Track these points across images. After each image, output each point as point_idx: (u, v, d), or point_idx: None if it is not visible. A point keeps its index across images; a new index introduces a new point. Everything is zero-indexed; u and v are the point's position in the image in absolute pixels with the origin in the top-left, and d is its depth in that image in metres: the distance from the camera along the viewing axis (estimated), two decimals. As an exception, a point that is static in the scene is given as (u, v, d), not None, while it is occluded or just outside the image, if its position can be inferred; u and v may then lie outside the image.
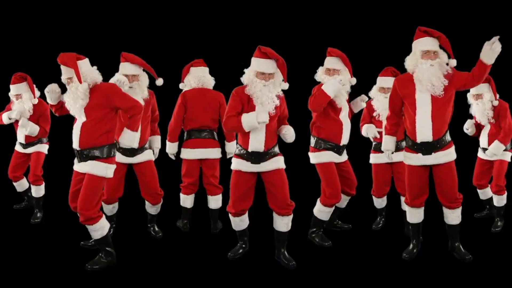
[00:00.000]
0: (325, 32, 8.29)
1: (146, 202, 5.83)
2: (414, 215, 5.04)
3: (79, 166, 4.77)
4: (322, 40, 8.25)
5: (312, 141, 5.51)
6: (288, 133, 4.85)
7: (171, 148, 6.02)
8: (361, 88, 5.85)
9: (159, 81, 5.53)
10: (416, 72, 4.76)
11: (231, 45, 8.33)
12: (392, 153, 5.22)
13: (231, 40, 8.36)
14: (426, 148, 4.77)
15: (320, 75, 5.46)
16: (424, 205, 5.03)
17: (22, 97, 6.30)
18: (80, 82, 4.60)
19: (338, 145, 5.47)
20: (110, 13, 8.40)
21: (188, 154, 5.93)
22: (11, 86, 6.34)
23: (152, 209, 5.84)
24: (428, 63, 4.70)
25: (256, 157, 4.76)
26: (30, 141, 6.48)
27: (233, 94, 4.76)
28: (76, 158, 4.77)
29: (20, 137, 6.48)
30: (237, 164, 4.84)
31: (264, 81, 4.65)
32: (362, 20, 8.32)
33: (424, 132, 4.73)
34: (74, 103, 4.65)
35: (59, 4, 8.38)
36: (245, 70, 4.77)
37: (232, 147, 6.07)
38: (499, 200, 6.08)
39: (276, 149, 4.85)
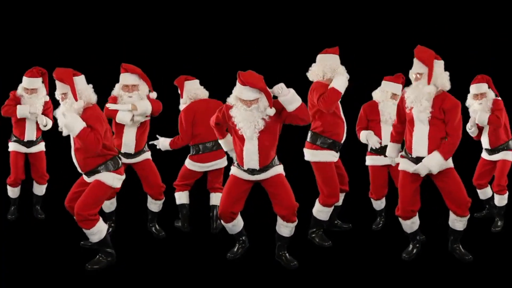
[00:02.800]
0: (324, 32, 8.29)
1: (149, 199, 5.86)
2: (409, 226, 5.03)
3: (87, 179, 4.78)
4: (320, 39, 8.25)
5: (312, 137, 5.42)
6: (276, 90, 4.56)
7: (166, 148, 5.98)
8: (361, 89, 5.86)
9: (153, 94, 5.66)
10: (407, 94, 4.80)
11: (228, 50, 8.34)
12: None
13: (227, 45, 8.37)
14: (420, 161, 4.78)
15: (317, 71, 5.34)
16: (417, 214, 4.99)
17: (38, 92, 6.14)
18: (76, 99, 4.53)
19: (339, 143, 5.45)
20: (110, 20, 8.41)
21: (195, 167, 5.98)
22: (28, 79, 6.08)
23: (154, 205, 5.86)
24: (420, 83, 4.71)
25: (252, 172, 4.78)
26: (38, 137, 6.36)
27: (221, 109, 4.76)
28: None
29: (31, 135, 6.30)
30: (235, 171, 4.87)
31: (245, 107, 4.58)
32: (360, 20, 8.32)
33: (419, 149, 4.76)
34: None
35: (64, 9, 8.38)
36: (233, 90, 4.69)
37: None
38: (500, 200, 6.08)
39: (274, 162, 4.81)
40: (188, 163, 6.02)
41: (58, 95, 4.67)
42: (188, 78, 6.08)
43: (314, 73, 5.36)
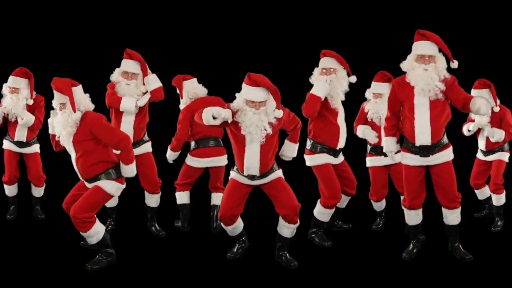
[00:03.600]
0: (323, 34, 8.29)
1: (146, 194, 5.87)
2: (413, 217, 5.04)
3: (88, 184, 4.78)
4: (319, 41, 8.26)
5: (308, 143, 5.47)
6: (285, 153, 4.98)
7: (173, 156, 6.00)
8: (358, 90, 5.85)
9: (143, 88, 5.62)
10: (409, 75, 4.75)
11: (228, 50, 8.32)
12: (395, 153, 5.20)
13: (228, 45, 8.36)
14: (425, 151, 4.79)
15: (316, 76, 5.36)
16: (422, 207, 5.03)
17: (20, 93, 6.07)
18: (74, 111, 4.55)
19: (334, 149, 5.45)
20: (111, 14, 8.41)
21: (195, 163, 5.98)
22: (12, 78, 6.08)
23: (151, 200, 5.86)
24: (421, 67, 4.69)
25: (252, 178, 4.76)
26: (30, 139, 6.32)
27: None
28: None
29: (21, 136, 6.27)
30: (234, 175, 4.85)
31: (254, 109, 4.53)
32: (358, 21, 8.32)
33: (423, 136, 4.75)
34: (62, 129, 4.61)
35: (64, 7, 8.38)
36: (237, 95, 4.64)
37: None
38: (498, 199, 6.10)
39: (274, 168, 4.81)
40: (188, 159, 6.02)
41: (55, 104, 4.69)
42: (186, 77, 6.10)
43: (315, 77, 5.39)
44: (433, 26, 4.96)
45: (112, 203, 5.85)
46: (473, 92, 5.94)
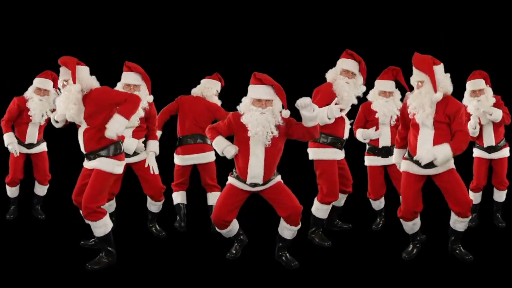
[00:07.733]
0: (325, 33, 8.29)
1: (148, 200, 5.85)
2: (411, 227, 5.04)
3: (87, 164, 4.82)
4: (320, 40, 8.26)
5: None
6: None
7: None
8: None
9: (149, 98, 5.56)
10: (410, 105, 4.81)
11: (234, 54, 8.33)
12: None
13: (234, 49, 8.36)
14: (424, 164, 4.77)
15: (334, 75, 5.34)
16: (418, 215, 5.00)
17: (50, 95, 6.15)
18: (74, 83, 4.58)
19: (342, 139, 5.46)
20: (113, 20, 8.40)
21: (179, 161, 6.00)
22: (41, 79, 6.11)
23: (154, 206, 5.85)
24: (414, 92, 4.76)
25: (254, 186, 4.74)
26: (39, 140, 6.36)
27: (228, 117, 4.72)
28: (85, 158, 4.84)
29: (32, 138, 6.27)
30: (232, 181, 4.81)
31: (260, 109, 4.50)
32: (362, 21, 8.32)
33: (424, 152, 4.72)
34: (66, 109, 4.62)
35: (64, 9, 8.38)
36: (243, 99, 4.63)
37: None
38: (501, 196, 6.15)
39: (275, 174, 4.79)
40: (175, 159, 6.04)
41: (60, 82, 4.72)
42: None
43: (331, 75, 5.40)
44: (428, 23, 4.96)
45: (109, 209, 5.81)
46: (469, 83, 5.87)
